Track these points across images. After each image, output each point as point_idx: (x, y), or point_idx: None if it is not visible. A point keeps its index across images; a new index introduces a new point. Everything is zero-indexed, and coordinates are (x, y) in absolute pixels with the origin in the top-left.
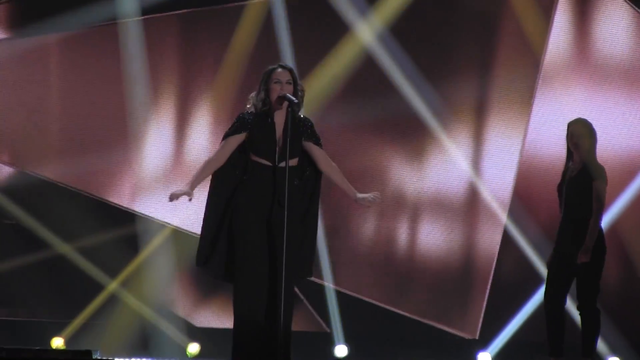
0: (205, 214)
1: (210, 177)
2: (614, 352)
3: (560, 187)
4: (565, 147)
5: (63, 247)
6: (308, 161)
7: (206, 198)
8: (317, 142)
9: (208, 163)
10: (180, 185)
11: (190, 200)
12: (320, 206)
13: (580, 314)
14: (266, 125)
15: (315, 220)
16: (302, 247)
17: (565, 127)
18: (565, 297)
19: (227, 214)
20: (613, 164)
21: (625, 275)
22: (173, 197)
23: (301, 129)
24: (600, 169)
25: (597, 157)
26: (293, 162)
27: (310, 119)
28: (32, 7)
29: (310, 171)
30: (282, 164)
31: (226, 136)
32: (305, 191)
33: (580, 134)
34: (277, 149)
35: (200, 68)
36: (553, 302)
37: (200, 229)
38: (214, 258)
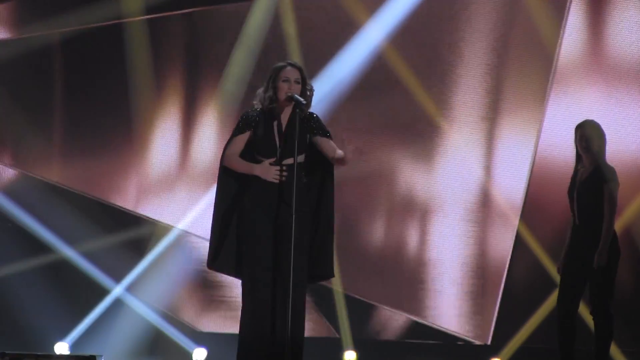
0: (213, 214)
1: (217, 177)
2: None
3: (570, 191)
4: (574, 150)
5: (67, 251)
6: (316, 158)
7: (214, 199)
8: (325, 135)
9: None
10: (185, 188)
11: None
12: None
13: (593, 319)
14: (270, 123)
15: (329, 217)
16: (320, 247)
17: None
18: (579, 303)
19: (234, 214)
20: (628, 165)
21: None
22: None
23: (307, 126)
24: (611, 170)
25: (612, 158)
26: (298, 158)
27: (315, 113)
28: (35, 6)
29: (316, 167)
30: (285, 161)
31: (233, 136)
32: (313, 187)
33: (590, 136)
34: (279, 146)
35: (207, 68)
36: (566, 309)
37: (206, 232)
38: (222, 255)
